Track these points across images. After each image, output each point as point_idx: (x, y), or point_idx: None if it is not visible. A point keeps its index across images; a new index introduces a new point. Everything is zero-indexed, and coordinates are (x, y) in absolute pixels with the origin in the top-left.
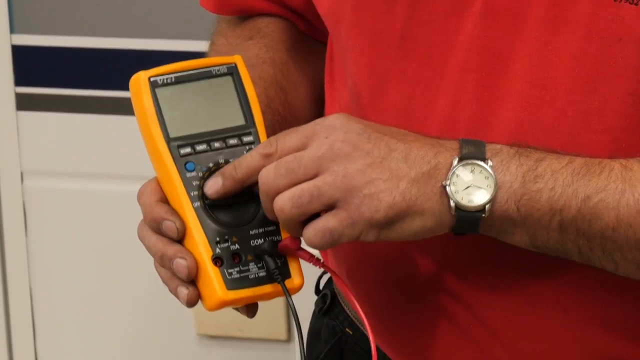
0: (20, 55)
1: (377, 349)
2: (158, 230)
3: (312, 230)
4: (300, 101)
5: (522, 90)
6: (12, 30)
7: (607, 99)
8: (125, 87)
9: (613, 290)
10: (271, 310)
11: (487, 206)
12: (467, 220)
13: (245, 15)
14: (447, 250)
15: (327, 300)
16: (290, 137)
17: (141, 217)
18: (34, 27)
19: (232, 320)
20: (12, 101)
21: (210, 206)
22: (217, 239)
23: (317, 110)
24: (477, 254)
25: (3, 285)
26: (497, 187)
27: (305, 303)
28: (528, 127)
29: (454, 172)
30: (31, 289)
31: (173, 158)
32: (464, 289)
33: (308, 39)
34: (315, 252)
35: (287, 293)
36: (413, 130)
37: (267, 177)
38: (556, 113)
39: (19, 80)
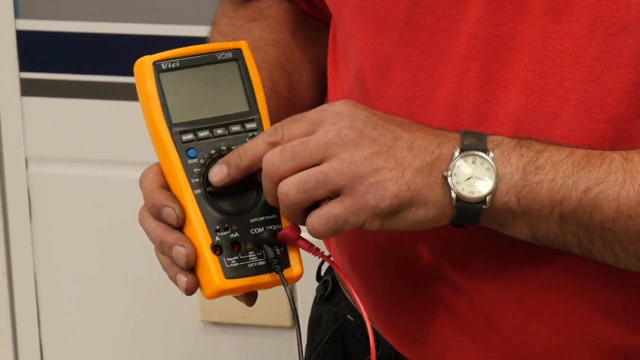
0: (25, 40)
1: (378, 336)
2: (158, 216)
3: (316, 217)
4: (303, 84)
5: (526, 79)
6: (16, 15)
7: (610, 89)
8: (131, 73)
9: (614, 278)
10: (275, 297)
11: (487, 197)
12: (467, 212)
13: None
14: (448, 238)
15: (329, 286)
16: (297, 124)
17: None
18: (38, 12)
19: (237, 307)
20: (16, 87)
21: (211, 193)
22: (217, 227)
23: (320, 92)
24: (478, 242)
25: (7, 272)
26: (498, 179)
27: (308, 289)
28: (531, 115)
29: (455, 163)
30: (35, 275)
31: (175, 144)
32: (464, 277)
33: (311, 20)
34: (315, 242)
35: (285, 283)
36: (417, 117)
37: (272, 161)
38: (559, 102)
39: (24, 66)
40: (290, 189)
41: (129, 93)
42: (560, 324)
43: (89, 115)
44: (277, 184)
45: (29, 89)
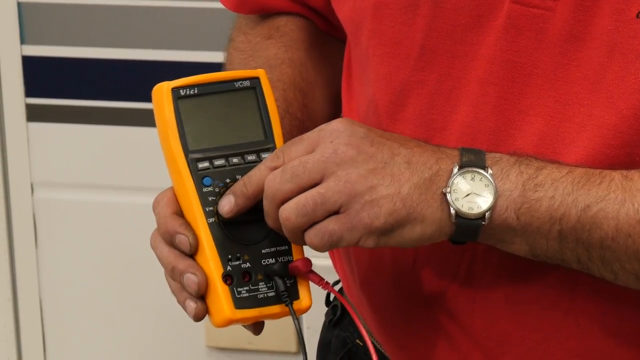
0: (31, 66)
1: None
2: (171, 242)
3: (314, 231)
4: (317, 103)
5: (546, 105)
6: (22, 41)
7: (625, 115)
8: (136, 98)
9: (627, 301)
10: (281, 322)
11: (487, 214)
12: (466, 228)
13: (264, 14)
14: (461, 263)
15: (338, 311)
16: (297, 147)
17: (152, 228)
18: (44, 38)
19: (242, 333)
20: (22, 112)
21: (224, 223)
22: (229, 256)
23: (334, 111)
24: (491, 267)
25: (13, 297)
26: (497, 195)
27: (314, 315)
28: (550, 140)
29: (454, 180)
30: (41, 300)
31: (190, 172)
32: (476, 299)
33: (327, 37)
34: (325, 273)
35: (294, 316)
36: (433, 140)
37: (272, 182)
38: (577, 127)
39: (30, 91)
40: (290, 213)
41: (134, 119)
42: (572, 346)
43: (94, 141)
44: (278, 206)
45: (34, 114)
